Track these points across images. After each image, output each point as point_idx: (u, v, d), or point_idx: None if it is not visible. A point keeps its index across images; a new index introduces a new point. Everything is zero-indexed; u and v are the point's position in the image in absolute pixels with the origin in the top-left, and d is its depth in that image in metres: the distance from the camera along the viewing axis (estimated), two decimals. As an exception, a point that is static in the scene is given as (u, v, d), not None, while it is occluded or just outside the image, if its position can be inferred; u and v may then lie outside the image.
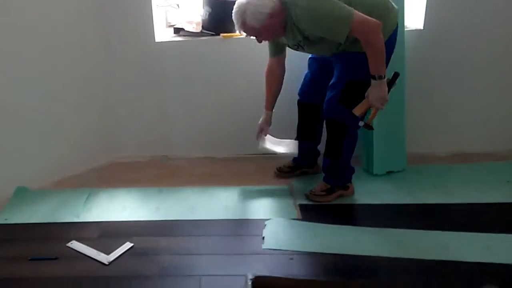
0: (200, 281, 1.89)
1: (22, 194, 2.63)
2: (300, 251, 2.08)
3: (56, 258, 2.07)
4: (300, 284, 1.76)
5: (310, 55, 2.48)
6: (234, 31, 2.86)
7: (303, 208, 2.41)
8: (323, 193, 2.45)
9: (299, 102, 2.58)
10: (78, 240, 2.19)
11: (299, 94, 2.56)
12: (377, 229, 2.22)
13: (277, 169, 2.76)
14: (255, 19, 2.06)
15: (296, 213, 2.38)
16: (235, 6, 2.10)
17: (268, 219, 2.31)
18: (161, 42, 2.82)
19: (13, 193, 2.63)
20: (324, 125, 2.41)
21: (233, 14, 2.10)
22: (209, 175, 2.84)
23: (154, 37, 2.79)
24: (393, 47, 2.20)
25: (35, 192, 2.66)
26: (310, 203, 2.46)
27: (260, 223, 2.28)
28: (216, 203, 2.51)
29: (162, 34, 2.91)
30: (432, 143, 2.97)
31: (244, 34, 2.20)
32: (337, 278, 1.89)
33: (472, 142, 2.96)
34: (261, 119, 2.57)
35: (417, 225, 2.22)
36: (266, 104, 2.55)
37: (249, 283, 1.69)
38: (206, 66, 2.87)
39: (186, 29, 2.88)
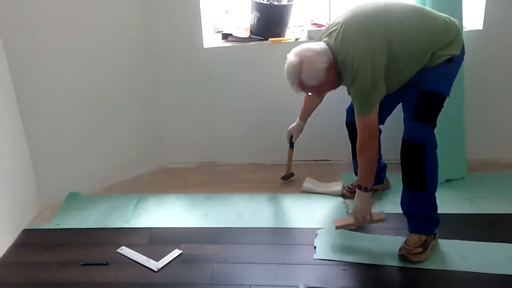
0: (250, 291, 1.82)
1: (74, 199, 2.66)
2: (353, 262, 1.96)
3: (106, 264, 2.06)
4: None
5: None
6: (283, 35, 2.79)
7: (356, 217, 2.27)
8: (420, 249, 1.93)
9: (348, 123, 2.30)
10: (127, 246, 2.17)
11: (348, 114, 2.30)
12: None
13: (346, 189, 2.51)
14: (313, 78, 1.87)
15: (349, 222, 2.24)
16: (287, 66, 1.90)
17: (320, 228, 2.19)
18: (209, 48, 2.79)
19: (65, 198, 2.66)
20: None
21: (286, 75, 1.91)
22: (258, 181, 2.77)
23: (203, 43, 2.76)
24: (457, 70, 2.00)
25: (86, 198, 2.68)
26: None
27: (311, 232, 2.18)
28: (265, 210, 2.43)
29: (211, 40, 2.88)
30: (494, 149, 2.76)
31: (301, 92, 2.01)
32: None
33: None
34: (292, 125, 2.54)
35: (480, 237, 2.06)
36: (301, 114, 2.49)
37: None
38: (254, 71, 2.80)
39: (234, 34, 2.83)
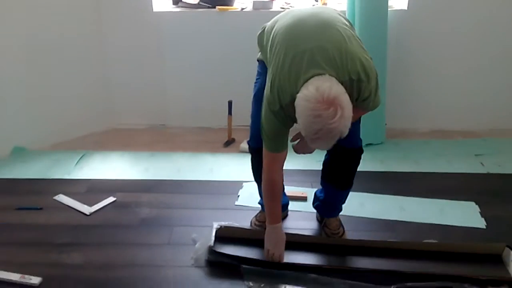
0: (172, 231, 1.86)
1: (19, 153, 2.59)
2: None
3: (41, 208, 2.03)
4: (257, 233, 1.69)
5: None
6: (231, 5, 2.75)
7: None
8: (342, 229, 1.89)
9: (255, 149, 1.73)
10: (65, 194, 2.14)
11: (254, 141, 1.71)
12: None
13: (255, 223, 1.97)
14: (349, 124, 1.33)
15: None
16: (329, 123, 1.26)
17: (248, 181, 2.21)
18: (159, 12, 2.73)
19: (10, 152, 2.58)
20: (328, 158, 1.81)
21: (330, 134, 1.29)
22: (202, 142, 2.76)
23: (152, 7, 2.69)
24: None
25: (31, 152, 2.61)
26: (290, 168, 2.31)
27: (239, 184, 2.22)
28: (202, 166, 2.45)
29: (161, 4, 2.80)
30: (413, 119, 2.86)
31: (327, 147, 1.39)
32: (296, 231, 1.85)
33: (452, 120, 2.85)
34: (274, 241, 1.64)
35: (381, 190, 2.17)
36: (275, 217, 1.64)
37: (214, 230, 1.60)
38: (201, 37, 2.76)
39: (184, 0, 2.77)
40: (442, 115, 2.84)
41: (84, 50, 2.70)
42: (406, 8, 2.60)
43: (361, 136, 1.76)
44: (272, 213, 1.62)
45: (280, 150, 1.52)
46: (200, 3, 2.75)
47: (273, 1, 2.75)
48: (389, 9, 2.50)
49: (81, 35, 2.67)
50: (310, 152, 1.67)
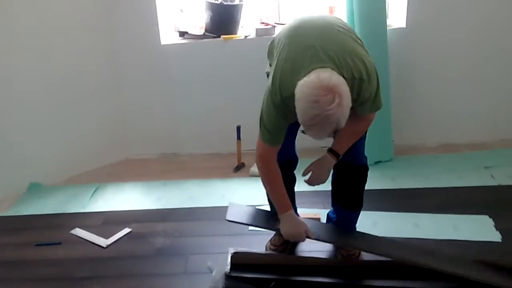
0: (188, 259, 1.88)
1: (35, 190, 2.65)
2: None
3: (59, 243, 2.07)
4: (275, 257, 1.72)
5: None
6: (235, 33, 2.84)
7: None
8: (357, 251, 1.88)
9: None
10: (81, 228, 2.18)
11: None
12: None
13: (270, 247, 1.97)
14: (347, 114, 1.36)
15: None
16: (325, 108, 1.29)
17: (260, 205, 2.22)
18: (167, 44, 2.82)
19: (27, 189, 2.65)
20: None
21: (325, 119, 1.30)
22: (212, 168, 2.81)
23: (160, 40, 2.78)
24: None
25: (47, 188, 2.68)
26: (301, 189, 2.35)
27: (252, 209, 2.21)
28: (214, 192, 2.48)
29: (169, 37, 2.90)
30: (421, 134, 2.89)
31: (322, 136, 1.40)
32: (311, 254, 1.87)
33: (460, 132, 2.86)
34: (291, 230, 1.64)
35: (394, 208, 2.17)
36: (284, 204, 1.64)
37: (230, 257, 1.63)
38: (208, 66, 2.85)
39: (190, 32, 2.87)
40: (450, 129, 2.86)
41: (97, 85, 2.80)
42: (404, 26, 2.65)
43: (369, 154, 1.77)
44: (279, 201, 1.62)
45: (276, 144, 1.55)
46: (205, 33, 2.85)
47: (275, 28, 2.83)
48: (388, 28, 2.56)
49: (95, 72, 2.77)
50: (323, 182, 1.68)
